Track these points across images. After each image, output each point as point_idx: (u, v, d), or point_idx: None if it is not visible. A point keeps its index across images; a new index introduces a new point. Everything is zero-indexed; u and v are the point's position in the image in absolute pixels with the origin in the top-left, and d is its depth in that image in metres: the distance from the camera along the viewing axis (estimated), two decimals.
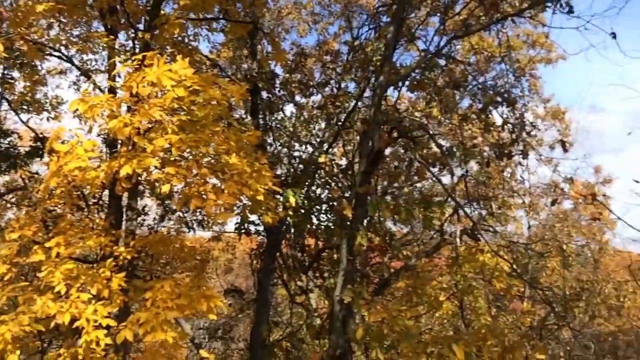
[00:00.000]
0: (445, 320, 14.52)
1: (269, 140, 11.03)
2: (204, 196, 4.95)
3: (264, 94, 10.80)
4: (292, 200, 7.84)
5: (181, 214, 11.66)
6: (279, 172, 10.49)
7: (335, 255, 10.06)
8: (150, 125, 5.19)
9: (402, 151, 10.37)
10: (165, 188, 4.85)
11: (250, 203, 5.59)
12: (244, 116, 11.08)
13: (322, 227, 10.32)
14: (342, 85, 11.07)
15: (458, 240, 8.57)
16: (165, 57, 5.32)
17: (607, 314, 17.12)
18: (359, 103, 10.30)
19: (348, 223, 7.51)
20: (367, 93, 9.96)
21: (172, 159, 5.09)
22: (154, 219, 11.67)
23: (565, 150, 7.40)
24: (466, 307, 13.87)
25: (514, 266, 8.81)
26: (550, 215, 16.60)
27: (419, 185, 13.29)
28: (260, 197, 5.16)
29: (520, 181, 11.60)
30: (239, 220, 9.42)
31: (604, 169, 16.62)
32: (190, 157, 5.24)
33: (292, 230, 10.61)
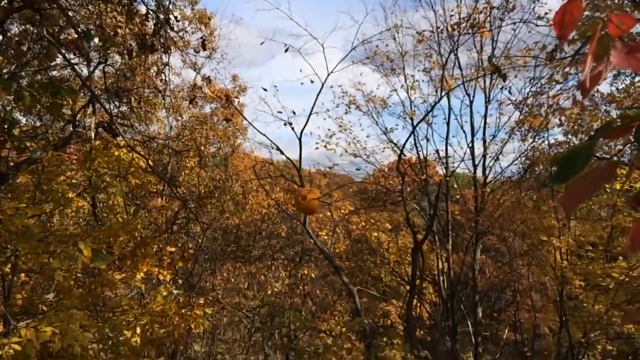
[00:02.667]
0: (82, 219, 13.94)
1: None
2: None
3: None
4: None
5: None
6: None
7: None
8: None
9: (32, 28, 8.88)
10: None
11: None
12: None
13: None
14: None
15: (93, 133, 8.02)
16: None
17: (234, 209, 19.28)
18: None
19: None
20: None
21: None
22: None
23: (204, 48, 7.57)
24: (102, 205, 13.50)
25: (150, 162, 8.85)
26: (192, 118, 17.27)
27: (56, 73, 11.79)
28: None
29: (164, 81, 11.50)
30: None
31: (240, 78, 17.90)
32: None
33: None
